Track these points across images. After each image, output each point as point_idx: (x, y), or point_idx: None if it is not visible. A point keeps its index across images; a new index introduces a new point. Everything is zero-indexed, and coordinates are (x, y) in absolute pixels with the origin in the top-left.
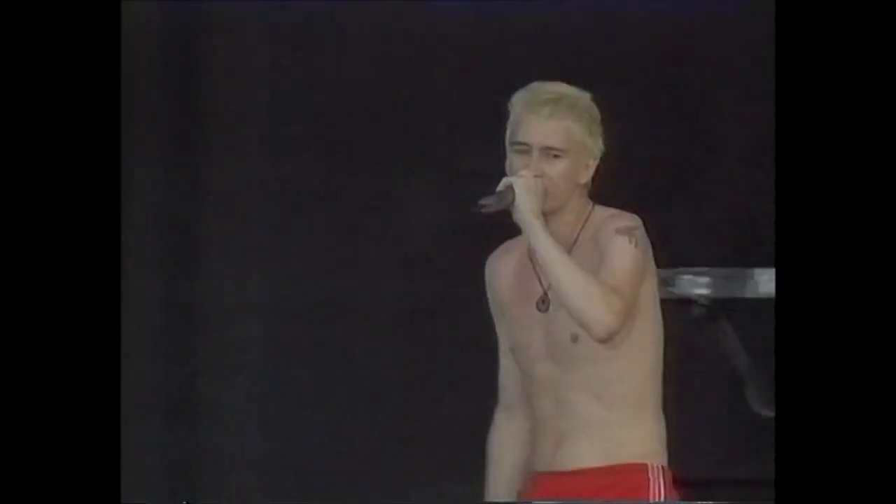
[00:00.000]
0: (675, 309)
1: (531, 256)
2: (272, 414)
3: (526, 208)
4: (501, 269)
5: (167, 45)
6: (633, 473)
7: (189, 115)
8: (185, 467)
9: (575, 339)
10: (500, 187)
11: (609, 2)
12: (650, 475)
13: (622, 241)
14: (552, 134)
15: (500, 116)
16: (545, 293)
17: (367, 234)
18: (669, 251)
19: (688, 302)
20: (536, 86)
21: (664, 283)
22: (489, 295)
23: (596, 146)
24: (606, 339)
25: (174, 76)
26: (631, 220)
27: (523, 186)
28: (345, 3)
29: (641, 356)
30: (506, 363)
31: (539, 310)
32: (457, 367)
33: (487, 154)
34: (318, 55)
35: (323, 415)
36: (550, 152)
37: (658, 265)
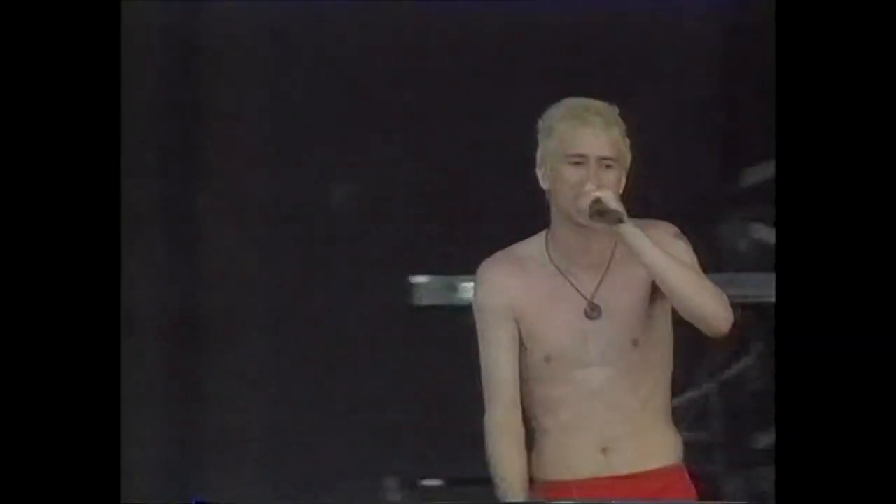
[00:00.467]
0: None
1: (558, 264)
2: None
3: (626, 222)
4: (508, 277)
5: (167, 45)
6: (678, 475)
7: (189, 116)
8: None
9: (636, 343)
10: (586, 202)
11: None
12: (687, 476)
13: (684, 244)
14: (608, 145)
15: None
16: (591, 301)
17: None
18: None
19: None
20: (574, 101)
21: None
22: (488, 300)
23: (629, 156)
24: (725, 332)
25: (174, 75)
26: (671, 226)
27: (613, 197)
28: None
29: (669, 360)
30: (507, 364)
31: (589, 317)
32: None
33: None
34: (320, 56)
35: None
36: (604, 162)
37: None
